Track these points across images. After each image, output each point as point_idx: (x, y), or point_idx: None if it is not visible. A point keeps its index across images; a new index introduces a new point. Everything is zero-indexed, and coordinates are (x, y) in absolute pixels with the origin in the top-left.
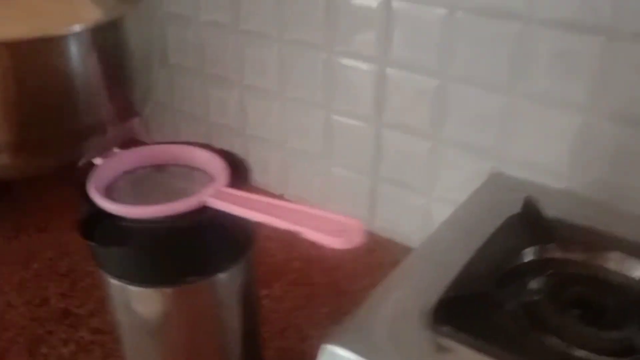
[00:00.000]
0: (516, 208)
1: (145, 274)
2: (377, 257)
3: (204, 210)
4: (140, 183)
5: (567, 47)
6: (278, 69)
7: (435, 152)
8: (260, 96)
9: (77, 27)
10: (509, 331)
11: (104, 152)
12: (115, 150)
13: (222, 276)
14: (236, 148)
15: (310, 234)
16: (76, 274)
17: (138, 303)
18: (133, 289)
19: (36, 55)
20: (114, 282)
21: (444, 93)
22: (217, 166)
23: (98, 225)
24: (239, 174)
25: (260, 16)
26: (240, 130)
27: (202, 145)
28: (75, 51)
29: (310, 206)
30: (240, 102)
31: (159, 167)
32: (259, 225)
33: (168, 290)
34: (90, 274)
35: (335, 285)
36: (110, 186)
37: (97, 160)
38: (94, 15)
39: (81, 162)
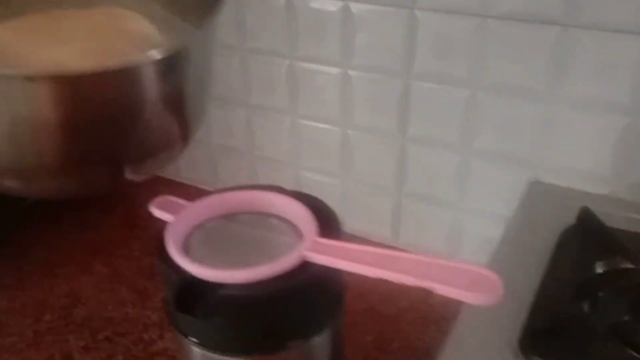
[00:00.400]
0: (567, 218)
1: (240, 343)
2: None
3: (303, 267)
4: (214, 237)
5: (610, 50)
6: (289, 86)
7: (465, 164)
8: (270, 115)
9: (143, 59)
10: (602, 357)
11: (144, 176)
12: (183, 202)
13: (317, 337)
14: (243, 170)
15: (442, 290)
16: (95, 323)
17: None
18: (224, 359)
19: (94, 87)
20: (200, 351)
21: (476, 103)
22: (296, 212)
23: (183, 292)
24: (324, 220)
25: (268, 33)
26: (247, 151)
27: (274, 188)
28: (138, 82)
29: (428, 255)
30: (247, 122)
31: (229, 217)
32: (349, 275)
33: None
34: (110, 321)
35: (374, 310)
36: (185, 245)
37: (167, 217)
38: (153, 38)
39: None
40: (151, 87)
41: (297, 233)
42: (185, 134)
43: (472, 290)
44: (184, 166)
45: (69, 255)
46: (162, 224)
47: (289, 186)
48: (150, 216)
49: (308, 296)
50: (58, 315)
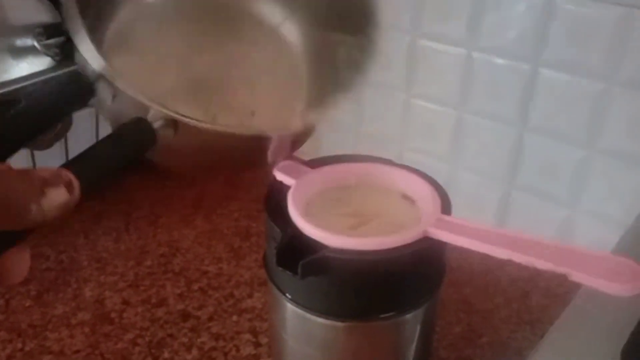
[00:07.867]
0: None
1: (335, 306)
2: (509, 271)
3: (422, 242)
4: (330, 204)
5: None
6: (407, 63)
7: (587, 161)
8: (383, 91)
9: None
10: None
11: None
12: (306, 169)
13: (410, 314)
14: (346, 146)
15: (580, 277)
16: (190, 274)
17: (318, 333)
18: (317, 319)
19: None
20: (293, 308)
21: (608, 98)
22: (418, 189)
23: (286, 248)
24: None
25: (392, 7)
26: (354, 126)
27: (392, 163)
28: None
29: (558, 241)
30: (357, 97)
31: (347, 188)
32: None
33: (357, 325)
34: (205, 274)
35: (466, 302)
36: (303, 209)
37: (288, 181)
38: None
39: None
40: None
41: (415, 209)
42: None
43: (611, 279)
44: None
45: (172, 208)
46: (267, 186)
47: None
48: (251, 181)
49: (409, 271)
50: (158, 262)
